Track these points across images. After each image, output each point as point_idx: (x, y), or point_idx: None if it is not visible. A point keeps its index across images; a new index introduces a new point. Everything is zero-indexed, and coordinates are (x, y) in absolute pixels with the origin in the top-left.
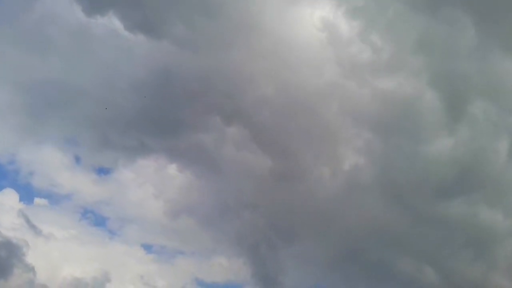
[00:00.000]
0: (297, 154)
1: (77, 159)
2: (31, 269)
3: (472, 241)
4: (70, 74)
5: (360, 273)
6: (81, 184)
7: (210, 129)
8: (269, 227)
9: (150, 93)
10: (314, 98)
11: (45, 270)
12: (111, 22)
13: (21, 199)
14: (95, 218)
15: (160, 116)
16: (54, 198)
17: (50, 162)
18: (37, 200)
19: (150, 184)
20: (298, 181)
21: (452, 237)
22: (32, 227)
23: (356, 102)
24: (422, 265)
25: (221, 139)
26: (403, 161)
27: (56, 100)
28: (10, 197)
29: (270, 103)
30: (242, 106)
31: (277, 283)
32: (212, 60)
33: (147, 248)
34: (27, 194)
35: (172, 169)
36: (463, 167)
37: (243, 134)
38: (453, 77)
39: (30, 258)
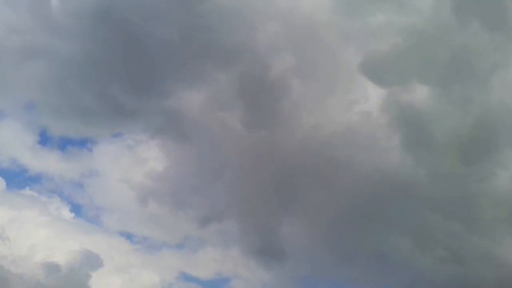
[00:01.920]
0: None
1: (43, 133)
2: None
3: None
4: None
5: (370, 244)
6: (50, 163)
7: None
8: (265, 193)
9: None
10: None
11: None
12: None
13: None
14: (69, 204)
15: (132, 70)
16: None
17: (11, 138)
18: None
19: (126, 162)
20: (293, 129)
21: (481, 202)
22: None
23: None
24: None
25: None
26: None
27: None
28: None
29: (266, 39)
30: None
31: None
32: None
33: (126, 236)
34: None
35: (151, 143)
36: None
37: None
38: None
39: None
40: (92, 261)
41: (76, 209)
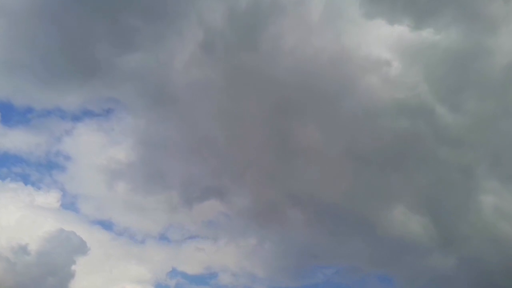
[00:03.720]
0: None
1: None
2: None
3: None
4: None
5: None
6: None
7: None
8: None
9: None
10: None
11: None
12: None
13: None
14: (42, 189)
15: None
16: None
17: None
18: None
19: (100, 142)
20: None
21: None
22: None
23: None
24: None
25: None
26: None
27: None
28: None
29: None
30: None
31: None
32: None
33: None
34: None
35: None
36: None
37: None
38: None
39: None
40: (74, 247)
41: (51, 195)
